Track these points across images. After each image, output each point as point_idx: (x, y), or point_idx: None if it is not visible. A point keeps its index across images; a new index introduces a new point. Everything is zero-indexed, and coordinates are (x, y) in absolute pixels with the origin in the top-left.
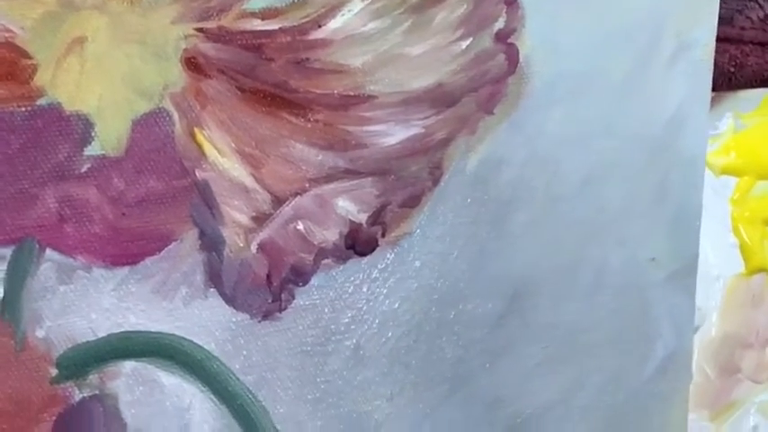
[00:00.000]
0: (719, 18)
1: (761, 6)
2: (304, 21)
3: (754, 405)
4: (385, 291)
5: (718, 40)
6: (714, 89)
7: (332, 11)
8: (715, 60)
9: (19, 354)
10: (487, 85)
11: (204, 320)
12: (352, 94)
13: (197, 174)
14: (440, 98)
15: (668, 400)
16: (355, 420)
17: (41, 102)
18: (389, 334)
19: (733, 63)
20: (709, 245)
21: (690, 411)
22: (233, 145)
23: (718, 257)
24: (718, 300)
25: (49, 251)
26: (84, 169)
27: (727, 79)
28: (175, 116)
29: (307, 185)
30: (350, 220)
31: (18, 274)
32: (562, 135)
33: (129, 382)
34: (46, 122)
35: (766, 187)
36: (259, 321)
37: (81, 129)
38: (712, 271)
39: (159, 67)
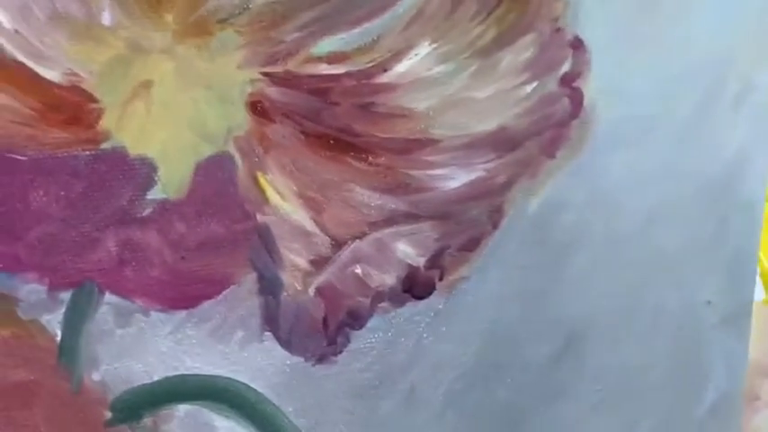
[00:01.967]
0: None
1: None
2: (370, 65)
3: None
4: (440, 334)
5: None
6: None
7: (398, 55)
8: None
9: (75, 397)
10: (551, 129)
11: (259, 363)
12: (415, 137)
13: (258, 217)
14: (503, 142)
15: None
16: None
17: (106, 145)
18: (444, 377)
19: None
20: None
21: None
22: (295, 189)
23: None
24: None
25: (107, 294)
26: (145, 213)
27: None
28: (238, 160)
29: (366, 229)
30: (408, 263)
31: (77, 318)
32: (624, 178)
33: (182, 426)
34: (110, 166)
35: None
36: (313, 365)
37: (145, 172)
38: None
39: (224, 111)
